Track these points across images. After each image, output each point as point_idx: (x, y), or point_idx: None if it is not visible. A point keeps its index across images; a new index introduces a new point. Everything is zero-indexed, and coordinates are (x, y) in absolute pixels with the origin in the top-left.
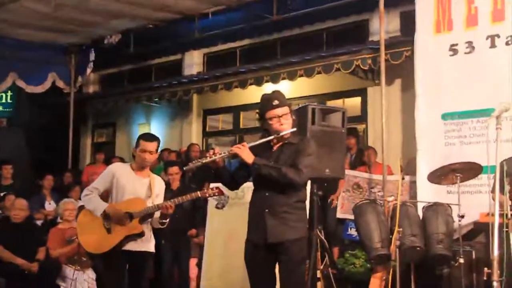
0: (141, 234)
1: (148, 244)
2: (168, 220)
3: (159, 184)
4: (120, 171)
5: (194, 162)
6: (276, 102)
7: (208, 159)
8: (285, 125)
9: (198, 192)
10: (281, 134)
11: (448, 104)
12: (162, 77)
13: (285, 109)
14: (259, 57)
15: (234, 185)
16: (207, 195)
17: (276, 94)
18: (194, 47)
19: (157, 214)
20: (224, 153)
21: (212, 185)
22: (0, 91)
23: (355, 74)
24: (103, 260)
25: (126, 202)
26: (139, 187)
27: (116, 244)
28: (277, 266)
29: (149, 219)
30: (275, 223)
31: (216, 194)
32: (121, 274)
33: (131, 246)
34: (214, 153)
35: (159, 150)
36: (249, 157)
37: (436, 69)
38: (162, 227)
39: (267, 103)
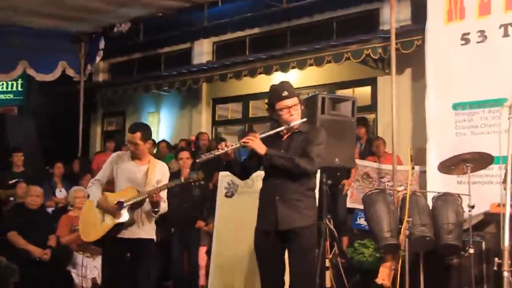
0: (130, 223)
1: (146, 231)
2: (159, 208)
3: (160, 170)
4: (119, 160)
5: (206, 154)
6: (285, 93)
7: (220, 151)
8: (294, 116)
9: (182, 178)
10: (291, 124)
11: (459, 94)
12: (171, 65)
13: (295, 100)
14: (268, 46)
15: (244, 175)
16: (191, 180)
17: (285, 84)
18: (204, 36)
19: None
20: (236, 144)
21: (221, 173)
22: (11, 79)
23: (365, 63)
24: (103, 248)
25: (120, 191)
26: (136, 174)
27: (106, 232)
28: (286, 253)
29: (140, 207)
30: (286, 210)
31: (201, 178)
32: (117, 261)
33: (127, 234)
34: (226, 145)
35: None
36: (261, 148)
37: (447, 58)
38: (155, 215)
39: (276, 94)
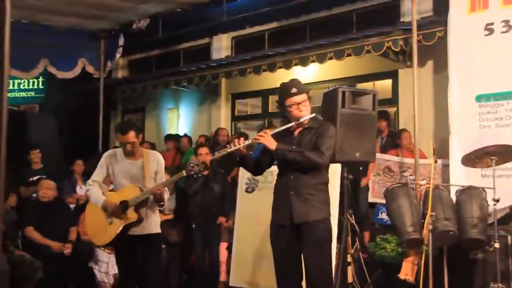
0: (138, 221)
1: (150, 226)
2: (164, 202)
3: (155, 161)
4: (112, 159)
5: (219, 151)
6: (294, 90)
7: (233, 148)
8: (304, 112)
9: (183, 171)
10: (301, 120)
11: (482, 86)
12: (190, 61)
13: (304, 96)
14: (287, 40)
15: (258, 171)
16: (192, 172)
17: (294, 82)
18: (223, 31)
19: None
20: (248, 141)
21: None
22: (32, 77)
23: (386, 56)
24: (114, 247)
25: (122, 191)
26: (132, 170)
27: (117, 235)
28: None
29: (146, 204)
30: (300, 204)
31: (202, 169)
32: (128, 258)
33: (135, 231)
34: (238, 142)
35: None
36: (272, 144)
37: (471, 50)
38: (161, 208)
39: (285, 91)
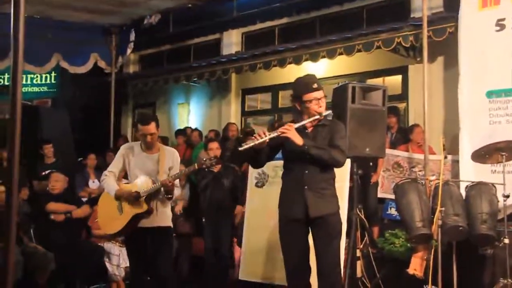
0: (148, 211)
1: (160, 219)
2: (173, 195)
3: (170, 156)
4: (129, 151)
5: (246, 143)
6: (315, 85)
7: (260, 140)
8: (322, 108)
9: (195, 165)
10: (323, 114)
11: (493, 81)
12: (201, 56)
13: (322, 93)
14: (298, 36)
15: (262, 164)
16: (204, 165)
17: (314, 77)
18: (233, 27)
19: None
20: (273, 133)
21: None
22: (45, 72)
23: (396, 51)
24: (125, 239)
25: (135, 182)
26: (148, 163)
27: (126, 224)
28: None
29: (157, 196)
30: (314, 198)
31: (214, 163)
32: (138, 250)
33: (145, 223)
34: (264, 134)
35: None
36: (298, 139)
37: (481, 45)
38: (169, 201)
39: (306, 86)
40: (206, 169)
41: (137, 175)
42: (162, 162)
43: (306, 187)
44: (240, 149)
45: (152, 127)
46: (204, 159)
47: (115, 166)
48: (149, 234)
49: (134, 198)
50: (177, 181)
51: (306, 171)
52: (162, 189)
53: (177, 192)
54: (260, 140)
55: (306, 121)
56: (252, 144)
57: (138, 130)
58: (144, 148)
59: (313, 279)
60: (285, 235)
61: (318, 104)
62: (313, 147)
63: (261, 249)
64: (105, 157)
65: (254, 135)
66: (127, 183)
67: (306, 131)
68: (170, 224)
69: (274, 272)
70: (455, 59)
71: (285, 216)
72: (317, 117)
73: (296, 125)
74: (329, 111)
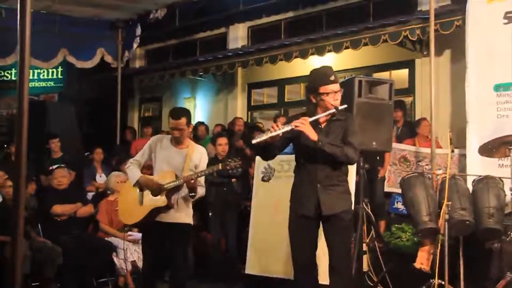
0: (168, 207)
1: (181, 216)
2: (196, 193)
3: (199, 155)
4: (158, 143)
5: (260, 135)
6: (333, 77)
7: (274, 133)
8: (338, 101)
9: (220, 165)
10: (340, 108)
11: (501, 75)
12: (207, 51)
13: (338, 86)
14: (304, 30)
15: (273, 157)
16: (228, 167)
17: (331, 69)
18: (239, 21)
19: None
20: (287, 127)
21: (258, 157)
22: (52, 67)
23: (402, 45)
24: (141, 231)
25: (159, 174)
26: (175, 158)
27: (145, 216)
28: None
29: (178, 192)
30: (328, 196)
31: (238, 166)
32: (157, 245)
33: (164, 218)
34: (277, 127)
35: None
36: (312, 134)
37: (489, 39)
38: (192, 199)
39: (323, 77)
40: (230, 171)
41: (162, 168)
42: (189, 159)
43: (319, 184)
44: (253, 142)
45: (182, 122)
46: (229, 160)
47: (141, 155)
48: (167, 230)
49: (156, 190)
50: (202, 180)
51: (319, 168)
52: (185, 186)
53: (201, 191)
54: (274, 133)
55: (321, 115)
56: (265, 137)
57: (169, 123)
58: (174, 142)
59: (321, 274)
60: (295, 231)
61: (335, 97)
62: (327, 144)
63: (267, 243)
64: (110, 151)
65: (268, 128)
66: (150, 174)
67: (320, 126)
68: (191, 221)
69: (280, 266)
70: (462, 53)
71: (296, 212)
72: (333, 111)
73: (311, 119)
74: (345, 105)
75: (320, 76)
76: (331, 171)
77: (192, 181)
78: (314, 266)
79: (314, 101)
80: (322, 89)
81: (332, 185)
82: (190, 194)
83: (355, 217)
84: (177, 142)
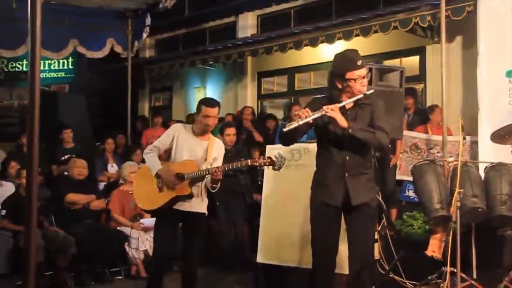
0: (189, 196)
1: (199, 205)
2: (218, 184)
3: (218, 148)
4: (180, 132)
5: (290, 124)
6: (360, 62)
7: (304, 120)
8: (365, 86)
9: (248, 160)
10: (368, 93)
11: None
12: (216, 40)
13: (366, 70)
14: (313, 17)
15: (294, 143)
16: (257, 164)
17: (358, 53)
18: (248, 9)
19: (210, 177)
20: (317, 113)
21: (268, 146)
22: (62, 58)
23: (413, 32)
24: (156, 218)
25: (180, 163)
26: (197, 149)
27: (165, 203)
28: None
29: (200, 182)
30: (356, 185)
31: (267, 164)
32: (170, 233)
33: (182, 206)
34: (307, 114)
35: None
36: (342, 121)
37: (501, 24)
38: (213, 191)
39: (350, 62)
40: (258, 167)
41: (183, 157)
42: (210, 151)
43: (346, 173)
44: (284, 130)
45: (216, 110)
46: (259, 157)
47: (161, 142)
48: (184, 218)
49: (177, 180)
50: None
51: (347, 157)
52: (207, 177)
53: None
54: (304, 121)
55: (349, 101)
56: (296, 124)
57: (199, 111)
58: (197, 132)
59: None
60: (317, 220)
61: (362, 82)
62: (358, 130)
63: (278, 232)
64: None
65: (297, 113)
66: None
67: (347, 111)
68: (206, 211)
69: (292, 254)
70: (474, 39)
71: (319, 201)
72: (361, 96)
73: (340, 105)
74: (372, 90)
75: (347, 61)
76: (358, 159)
77: (219, 172)
78: (335, 255)
79: (340, 86)
80: (349, 75)
81: (359, 174)
82: (213, 186)
83: None
84: (200, 132)
